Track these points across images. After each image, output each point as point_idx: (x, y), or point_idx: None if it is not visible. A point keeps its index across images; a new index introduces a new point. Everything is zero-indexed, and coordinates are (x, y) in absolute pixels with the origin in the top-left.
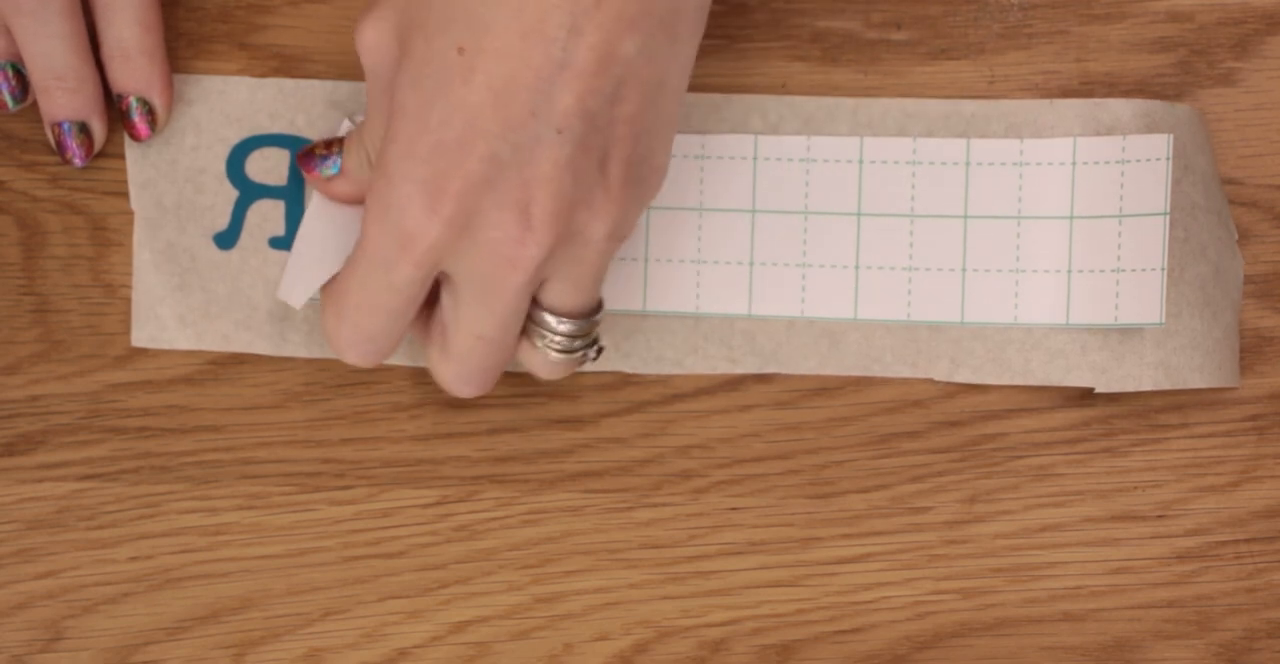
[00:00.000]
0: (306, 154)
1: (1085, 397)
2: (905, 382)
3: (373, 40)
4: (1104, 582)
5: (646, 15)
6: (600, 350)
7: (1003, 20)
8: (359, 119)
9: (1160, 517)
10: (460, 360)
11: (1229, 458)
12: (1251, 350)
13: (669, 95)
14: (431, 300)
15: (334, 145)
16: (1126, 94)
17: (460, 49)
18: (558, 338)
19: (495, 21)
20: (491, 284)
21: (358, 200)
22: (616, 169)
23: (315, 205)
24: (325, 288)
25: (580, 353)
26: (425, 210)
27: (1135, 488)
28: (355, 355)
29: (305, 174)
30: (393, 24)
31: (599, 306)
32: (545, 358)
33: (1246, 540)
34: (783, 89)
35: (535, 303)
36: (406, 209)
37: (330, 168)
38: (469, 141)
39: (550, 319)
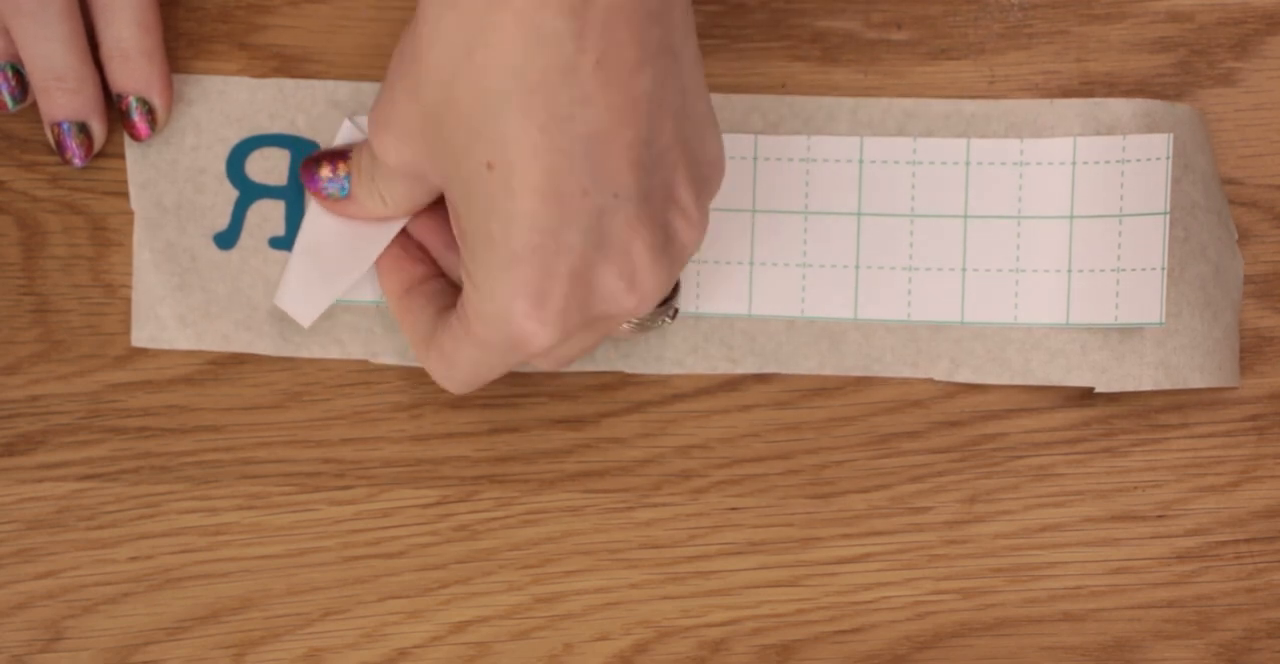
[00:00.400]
0: (310, 171)
1: (1085, 397)
2: (905, 381)
3: (400, 157)
4: (1104, 582)
5: (643, 49)
6: (676, 313)
7: (1003, 20)
8: (359, 119)
9: (1160, 517)
10: (559, 363)
11: (1229, 458)
12: (1251, 350)
13: (693, 98)
14: None
15: (339, 165)
16: (1126, 94)
17: (489, 165)
18: (640, 320)
19: (510, 128)
20: (603, 327)
21: (364, 219)
22: (684, 191)
23: (313, 212)
24: (422, 335)
25: (662, 322)
26: (531, 319)
27: (1135, 488)
28: (463, 392)
29: (307, 187)
30: (418, 147)
31: (676, 283)
32: (626, 330)
33: (1246, 540)
34: (782, 89)
35: None
36: (511, 318)
37: (339, 191)
38: (541, 246)
39: None
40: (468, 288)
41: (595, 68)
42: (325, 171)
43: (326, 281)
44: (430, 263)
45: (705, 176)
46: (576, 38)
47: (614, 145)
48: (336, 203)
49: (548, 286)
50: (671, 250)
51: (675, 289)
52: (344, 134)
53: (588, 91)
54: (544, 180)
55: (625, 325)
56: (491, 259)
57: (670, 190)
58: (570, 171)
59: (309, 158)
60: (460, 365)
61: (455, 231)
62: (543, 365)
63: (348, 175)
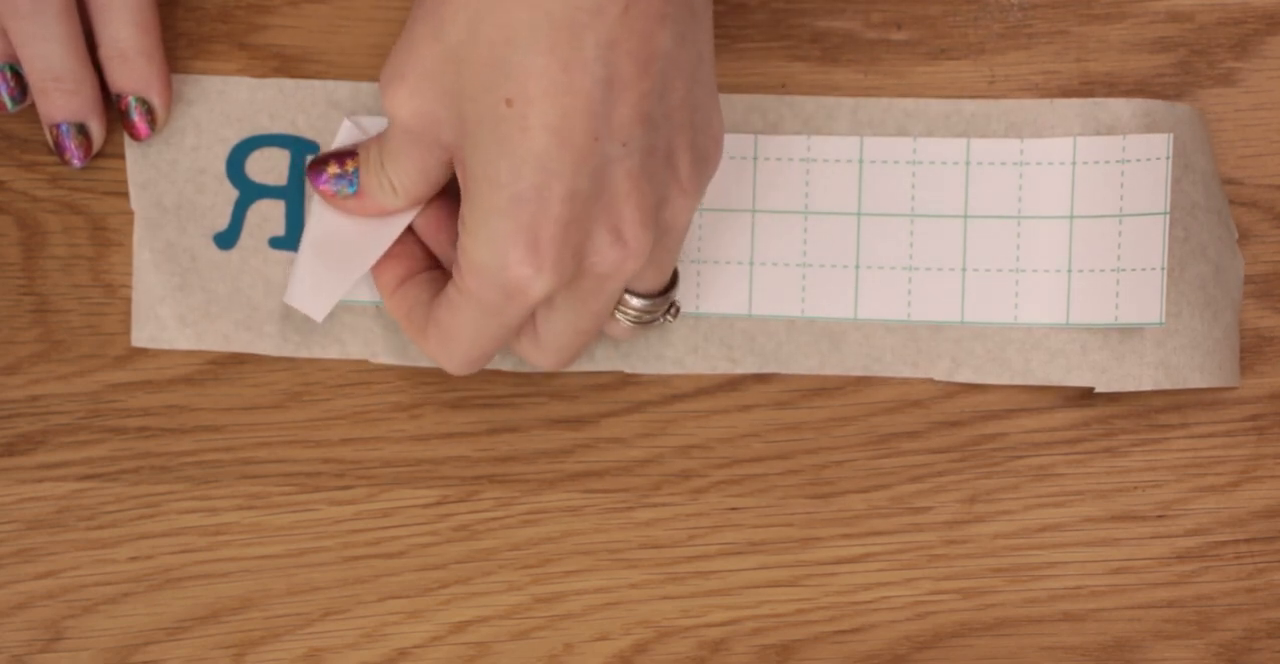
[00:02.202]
0: (317, 170)
1: (1085, 397)
2: (905, 381)
3: (415, 109)
4: (1104, 582)
5: (668, 3)
6: (678, 312)
7: (1003, 20)
8: (359, 119)
9: (1160, 517)
10: (556, 351)
11: (1229, 458)
12: (1251, 350)
13: (705, 66)
14: None
15: (347, 162)
16: (1126, 94)
17: (508, 101)
18: (636, 313)
19: (534, 64)
20: (592, 295)
21: (372, 215)
22: (683, 157)
23: (319, 209)
24: (416, 319)
25: (661, 319)
26: (525, 264)
27: (1135, 488)
28: (465, 372)
29: (315, 187)
30: (433, 91)
31: (675, 277)
32: (623, 326)
33: (1246, 540)
34: (782, 89)
35: None
36: (506, 265)
37: (347, 188)
38: (545, 186)
39: (632, 298)
40: (464, 241)
41: (622, 13)
42: (333, 169)
43: (336, 276)
44: (423, 257)
45: (705, 150)
46: None
47: (629, 94)
48: (346, 200)
49: (544, 231)
50: (663, 215)
51: (674, 283)
52: (344, 134)
53: (614, 36)
54: (560, 120)
55: (625, 322)
56: (493, 202)
57: (671, 154)
58: (586, 115)
59: (315, 159)
60: (458, 336)
61: (460, 180)
62: (539, 360)
63: (356, 170)
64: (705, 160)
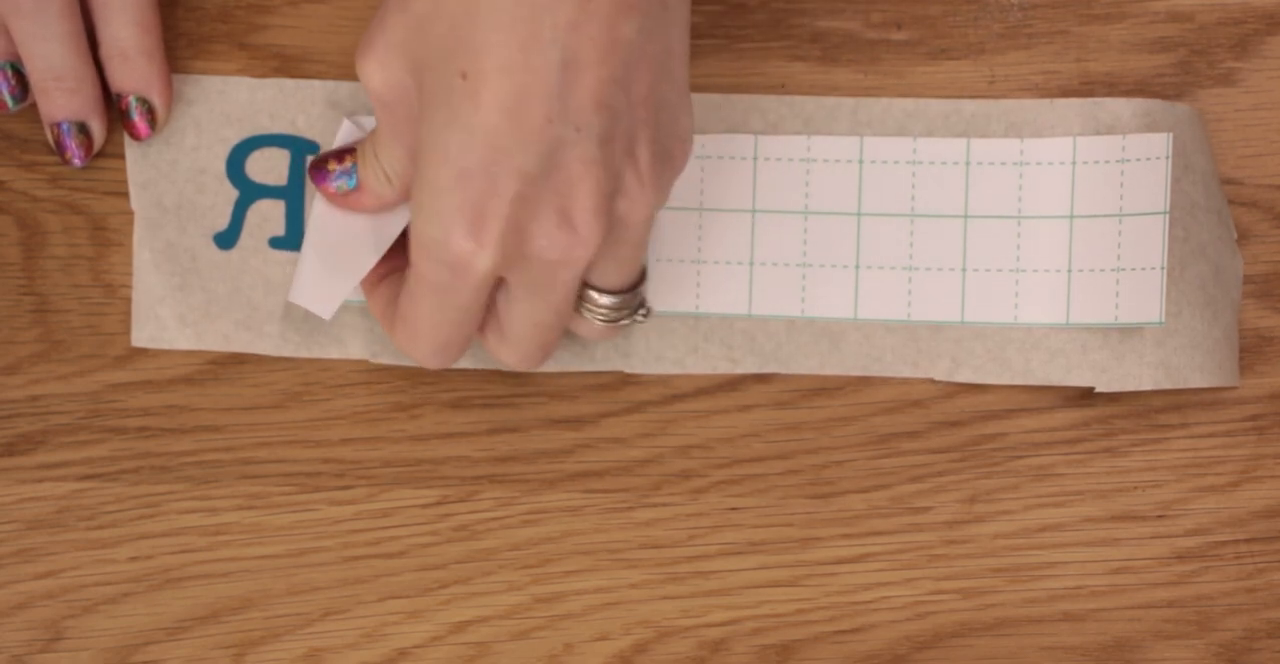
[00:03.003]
0: (319, 168)
1: (1085, 397)
2: (905, 382)
3: (384, 78)
4: (1104, 582)
5: None
6: (648, 312)
7: (1003, 20)
8: (359, 119)
9: (1160, 517)
10: (519, 344)
11: (1229, 458)
12: (1251, 350)
13: (676, 63)
14: None
15: (346, 158)
16: (1126, 94)
17: (463, 74)
18: (605, 310)
19: (491, 40)
20: (545, 283)
21: (374, 210)
22: (644, 151)
23: (321, 207)
24: (390, 314)
25: (629, 319)
26: (469, 239)
27: (1135, 488)
28: (439, 363)
29: (318, 188)
30: (401, 61)
31: (643, 275)
32: (593, 326)
33: (1246, 540)
34: (782, 89)
35: (583, 281)
36: (450, 241)
37: (346, 183)
38: (493, 163)
39: (597, 295)
40: (412, 218)
41: None
42: (333, 165)
43: (340, 274)
44: (404, 255)
45: (669, 148)
46: None
47: (586, 78)
48: (347, 197)
49: (489, 207)
50: (618, 206)
51: (641, 280)
52: (344, 133)
53: (573, 18)
54: (512, 98)
55: (594, 322)
56: (441, 176)
57: (631, 146)
58: (539, 95)
59: (315, 159)
60: (417, 322)
61: (415, 157)
62: (506, 356)
63: (354, 165)
64: (669, 158)
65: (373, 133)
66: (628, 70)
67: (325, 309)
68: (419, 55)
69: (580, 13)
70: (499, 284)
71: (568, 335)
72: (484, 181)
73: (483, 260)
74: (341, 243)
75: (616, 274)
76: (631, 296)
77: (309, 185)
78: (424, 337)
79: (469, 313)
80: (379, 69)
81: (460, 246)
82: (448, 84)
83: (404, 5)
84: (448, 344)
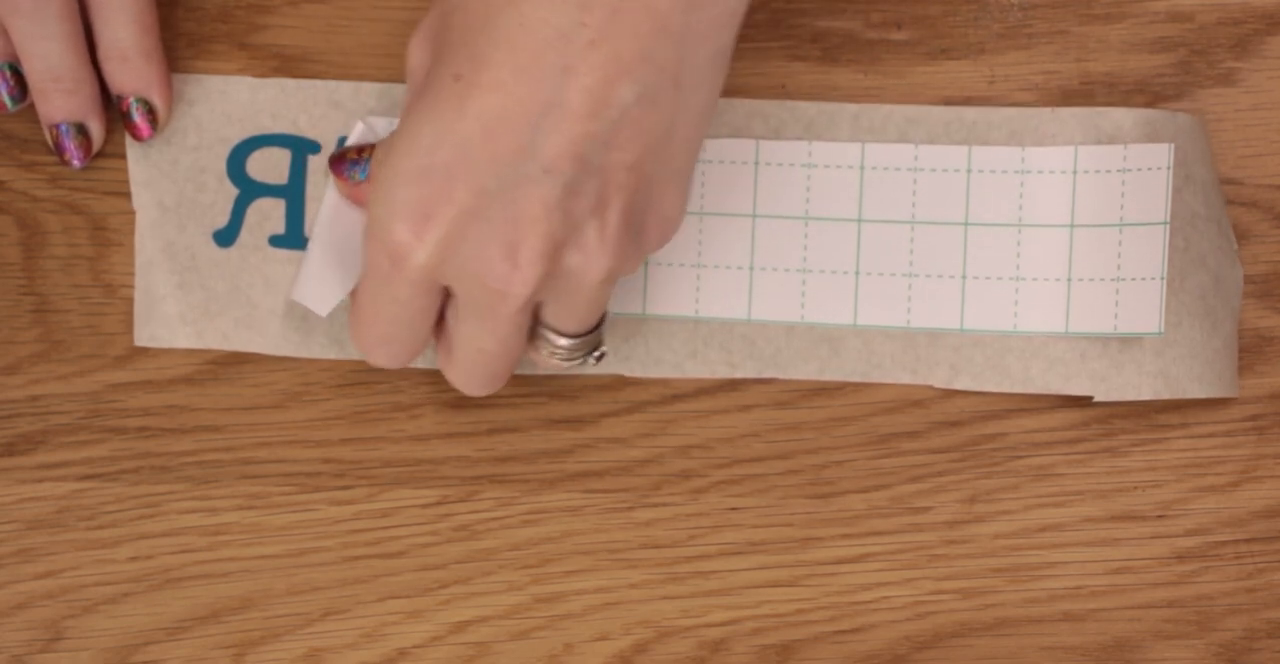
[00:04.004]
0: (339, 158)
1: (1085, 398)
2: (905, 383)
3: (415, 55)
4: (1104, 582)
5: (645, 61)
6: (602, 356)
7: (1003, 20)
8: (373, 120)
9: (1160, 517)
10: (463, 367)
11: (1229, 458)
12: (1251, 350)
13: (677, 145)
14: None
15: (365, 151)
16: (1127, 94)
17: (457, 76)
18: (559, 350)
19: (493, 55)
20: (487, 311)
21: None
22: (614, 217)
23: (329, 208)
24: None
25: (581, 360)
26: (411, 233)
27: (1135, 488)
28: (379, 358)
29: (335, 176)
30: (428, 47)
31: (601, 321)
32: (548, 361)
33: (1246, 540)
34: (782, 89)
35: (537, 318)
36: (393, 230)
37: (359, 173)
38: (456, 170)
39: (551, 335)
40: (370, 198)
41: (587, 47)
42: (351, 156)
43: (341, 273)
44: None
45: (642, 225)
46: (581, 9)
47: (569, 126)
48: (356, 188)
49: (438, 210)
50: (568, 258)
51: (601, 323)
52: (357, 134)
53: (570, 64)
54: (494, 117)
55: (551, 359)
56: (405, 167)
57: (602, 208)
58: (519, 125)
59: (336, 153)
60: (361, 309)
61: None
62: (452, 376)
63: (369, 159)
64: (640, 232)
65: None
66: (615, 133)
67: (323, 307)
68: (440, 37)
69: (581, 61)
70: (449, 299)
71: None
72: (442, 184)
73: (418, 256)
74: (346, 242)
75: (569, 321)
76: (588, 340)
77: (310, 185)
78: (365, 325)
79: (410, 310)
80: (414, 50)
81: (400, 236)
82: (440, 81)
83: None
84: (389, 340)
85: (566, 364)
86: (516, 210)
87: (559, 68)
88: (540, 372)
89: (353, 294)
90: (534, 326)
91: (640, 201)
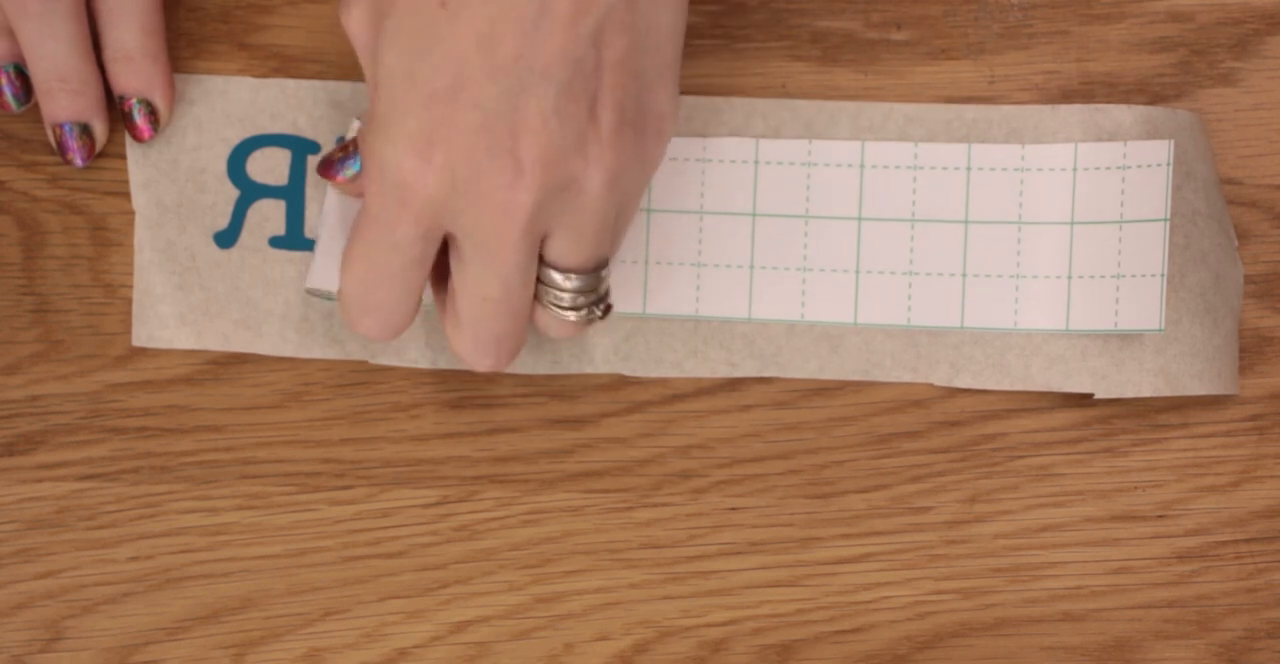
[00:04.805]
0: (326, 163)
1: (1085, 397)
2: (906, 382)
3: (360, 16)
4: (1104, 582)
5: None
6: (608, 309)
7: (1003, 20)
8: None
9: (1160, 517)
10: (470, 326)
11: (1229, 458)
12: (1252, 350)
13: (662, 39)
14: (445, 274)
15: (349, 147)
16: (1127, 94)
17: (443, 3)
18: (563, 295)
19: None
20: (490, 238)
21: None
22: (608, 115)
23: (334, 197)
24: (340, 272)
25: (586, 310)
26: (419, 161)
27: (1135, 488)
28: (368, 325)
29: (329, 181)
30: (370, 2)
31: (605, 262)
32: (553, 316)
33: (1246, 540)
34: (782, 89)
35: (541, 261)
36: (401, 163)
37: (351, 168)
38: (458, 89)
39: (556, 276)
40: (367, 141)
41: None
42: (337, 155)
43: None
44: None
45: (639, 121)
46: None
47: (557, 26)
48: (354, 182)
49: (445, 135)
50: (569, 164)
51: (603, 266)
52: (353, 133)
53: None
54: (486, 28)
55: (554, 311)
56: (407, 100)
57: (595, 107)
58: (512, 32)
59: (322, 158)
60: (353, 266)
61: (370, 85)
62: (460, 345)
63: (356, 151)
64: (637, 130)
65: (367, 110)
66: (600, 31)
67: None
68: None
69: None
70: (451, 246)
71: (549, 338)
72: (446, 108)
73: (429, 184)
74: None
75: (574, 249)
76: (591, 280)
77: (310, 185)
78: (356, 286)
79: (407, 258)
80: (356, 16)
81: (409, 166)
82: (425, 11)
83: None
84: (380, 304)
85: (574, 317)
86: (515, 119)
87: None
88: (543, 370)
89: (342, 259)
90: (537, 287)
91: (633, 98)
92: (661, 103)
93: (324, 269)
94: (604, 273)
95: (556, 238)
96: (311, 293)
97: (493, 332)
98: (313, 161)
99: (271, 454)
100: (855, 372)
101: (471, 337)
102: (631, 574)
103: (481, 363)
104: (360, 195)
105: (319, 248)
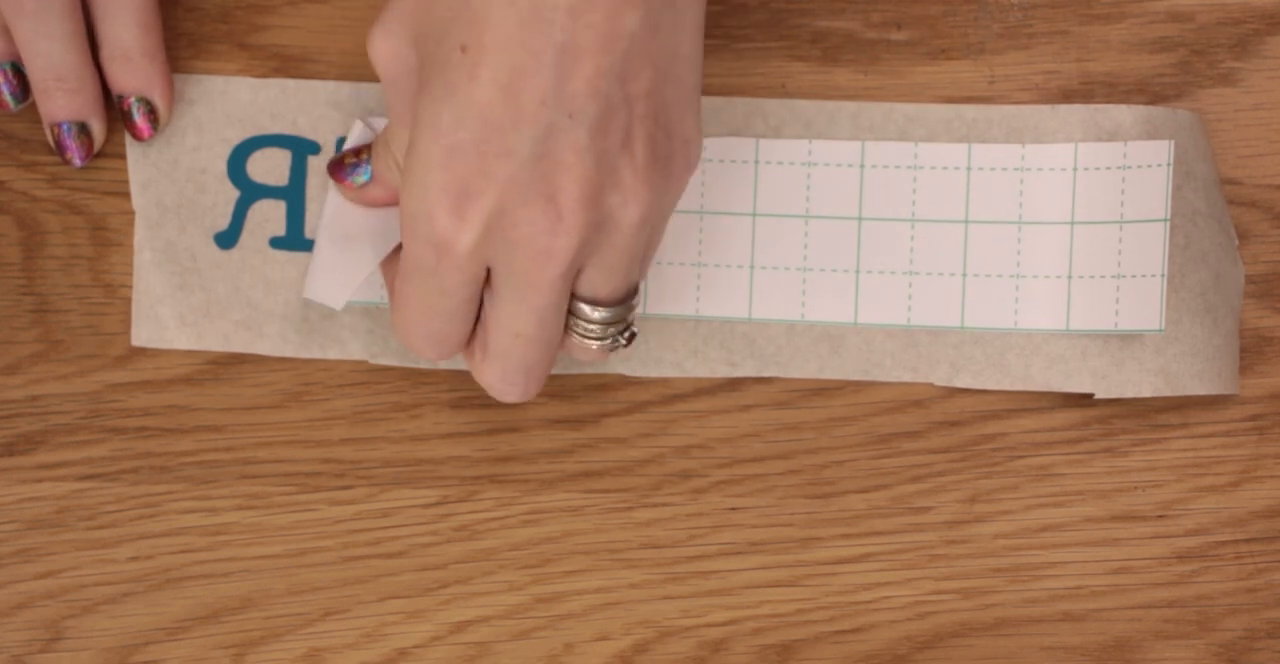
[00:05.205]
0: (337, 164)
1: (1085, 397)
2: (905, 382)
3: (387, 51)
4: (1104, 582)
5: None
6: (632, 336)
7: (1003, 20)
8: (372, 120)
9: (1160, 517)
10: (500, 358)
11: (1229, 458)
12: (1252, 350)
13: (684, 65)
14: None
15: (362, 153)
16: (1127, 94)
17: (463, 47)
18: (592, 326)
19: (492, 15)
20: (528, 279)
21: (390, 203)
22: (641, 148)
23: (334, 202)
24: (390, 297)
25: (611, 340)
26: (453, 217)
27: (1135, 488)
28: (432, 354)
29: (337, 184)
30: (405, 33)
31: (634, 291)
32: (579, 344)
33: (1246, 540)
34: (782, 89)
35: (572, 293)
36: (435, 218)
37: (362, 175)
38: (485, 140)
39: (586, 308)
40: (402, 196)
41: None
42: (350, 160)
43: (352, 267)
44: None
45: (668, 151)
46: None
47: (583, 65)
48: (362, 191)
49: (478, 186)
50: (608, 201)
51: (633, 294)
52: (356, 134)
53: (574, 3)
54: (508, 76)
55: (579, 339)
56: (432, 152)
57: (628, 141)
58: (535, 75)
59: (335, 157)
60: (405, 306)
61: (410, 133)
62: (489, 375)
63: (368, 159)
64: (668, 161)
65: (385, 127)
66: (627, 63)
67: (337, 301)
68: (423, 27)
69: None
70: (488, 284)
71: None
72: (474, 159)
73: (465, 239)
74: (354, 236)
75: (605, 282)
76: (621, 311)
77: (311, 186)
78: (413, 322)
79: (457, 301)
80: (384, 39)
81: (443, 223)
82: (447, 57)
83: None
84: (438, 335)
85: (598, 345)
86: (550, 164)
87: (564, 9)
88: (559, 369)
89: (391, 293)
90: (566, 317)
91: (662, 129)
92: (688, 129)
93: (322, 283)
94: (633, 303)
95: (589, 272)
96: (311, 302)
97: (521, 364)
98: (314, 162)
99: (271, 454)
100: (855, 371)
101: (500, 368)
102: (631, 574)
103: (509, 394)
104: (364, 204)
105: (315, 261)
